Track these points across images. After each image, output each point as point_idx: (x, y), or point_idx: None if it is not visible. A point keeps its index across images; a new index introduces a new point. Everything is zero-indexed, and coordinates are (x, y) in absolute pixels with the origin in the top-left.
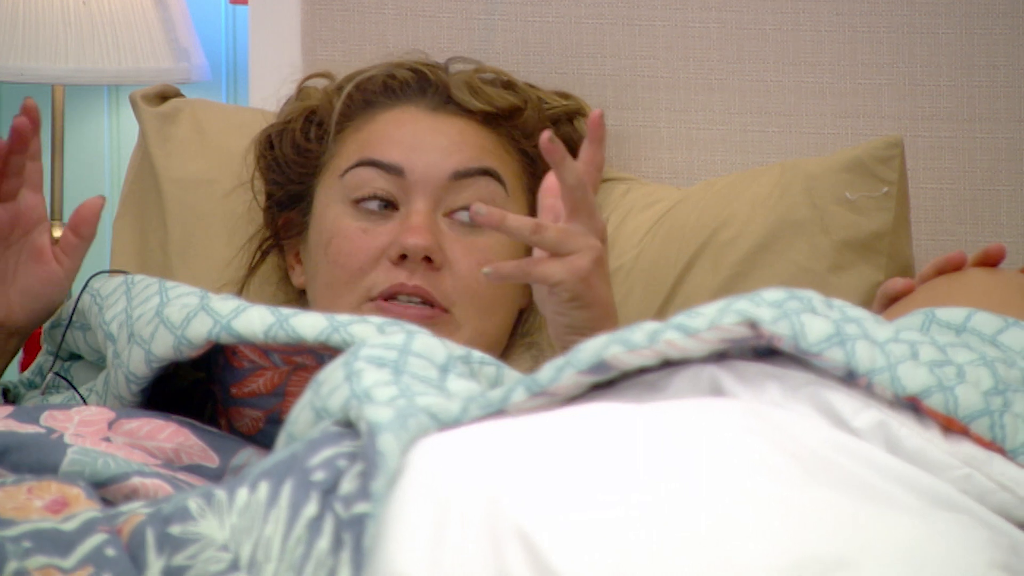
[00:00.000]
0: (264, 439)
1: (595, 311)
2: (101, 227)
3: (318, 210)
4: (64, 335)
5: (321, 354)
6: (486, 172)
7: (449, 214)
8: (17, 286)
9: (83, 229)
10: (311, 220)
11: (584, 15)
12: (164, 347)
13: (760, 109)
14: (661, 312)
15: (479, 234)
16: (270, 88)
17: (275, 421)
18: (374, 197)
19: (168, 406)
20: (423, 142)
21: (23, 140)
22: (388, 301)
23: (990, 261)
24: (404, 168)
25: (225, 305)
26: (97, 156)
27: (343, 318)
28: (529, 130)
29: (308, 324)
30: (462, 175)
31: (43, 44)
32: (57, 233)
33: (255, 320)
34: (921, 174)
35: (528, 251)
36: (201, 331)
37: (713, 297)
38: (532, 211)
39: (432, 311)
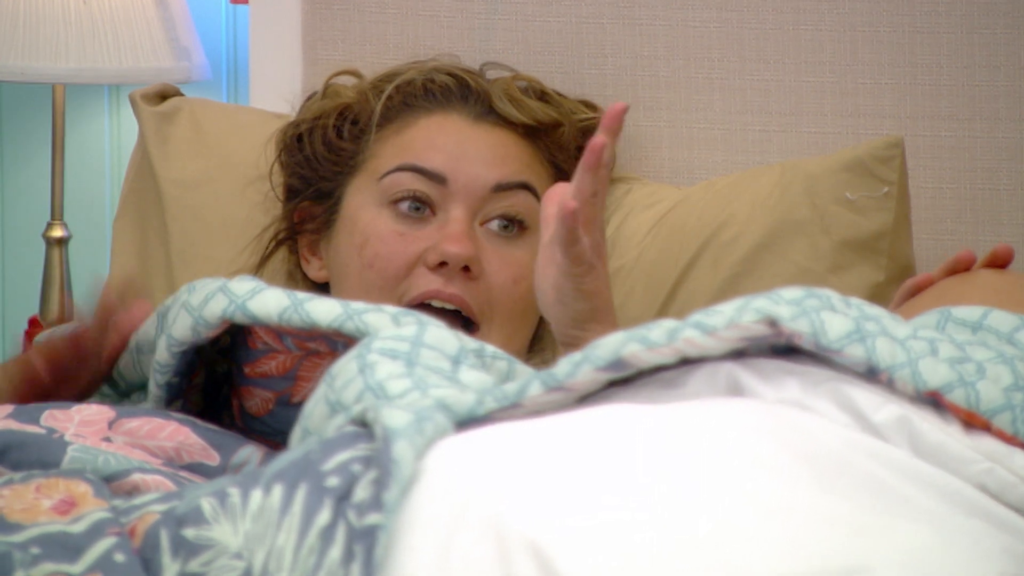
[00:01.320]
0: (273, 420)
1: (596, 302)
2: (102, 227)
3: (350, 210)
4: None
5: (335, 341)
6: (524, 186)
7: (485, 222)
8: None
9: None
10: (339, 218)
11: (585, 15)
12: (183, 329)
13: (761, 108)
14: (662, 312)
15: (514, 246)
16: (271, 88)
17: (285, 403)
18: (412, 197)
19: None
20: (466, 152)
21: None
22: (421, 308)
23: (998, 262)
24: (447, 176)
25: (242, 286)
26: (98, 156)
27: (358, 306)
28: (564, 144)
29: (323, 310)
30: (503, 188)
31: (43, 43)
32: (56, 233)
33: (270, 302)
34: (922, 174)
35: None
36: (216, 310)
37: (714, 297)
38: None
39: (463, 325)
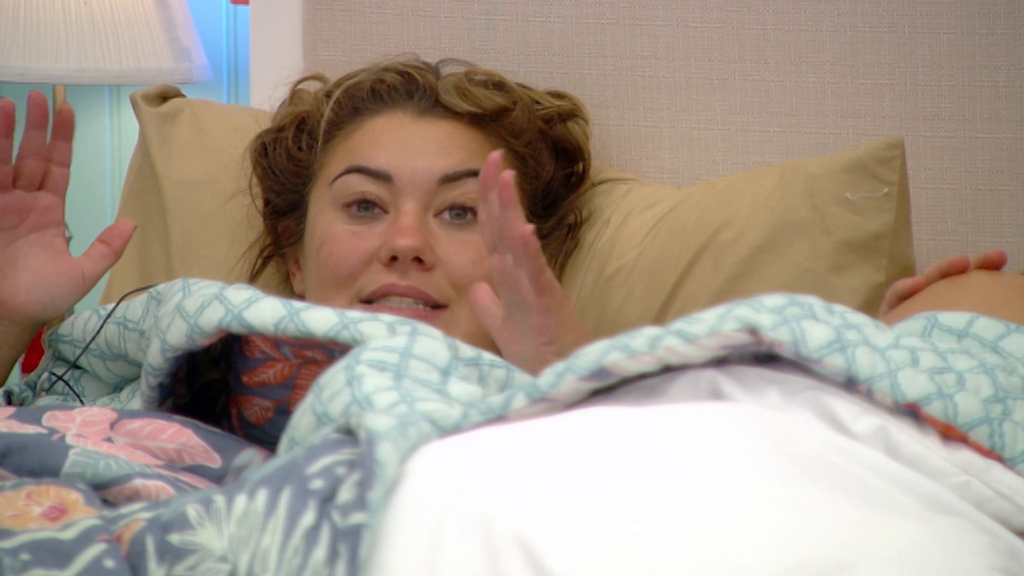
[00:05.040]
0: (272, 429)
1: (577, 331)
2: (103, 227)
3: (311, 218)
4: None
5: (332, 349)
6: (475, 174)
7: (438, 214)
8: (28, 272)
9: (116, 242)
10: (306, 227)
11: (585, 15)
12: (178, 335)
13: (761, 109)
14: (662, 312)
15: (470, 231)
16: (271, 88)
17: (284, 412)
18: (363, 199)
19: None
20: (410, 147)
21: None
22: (378, 302)
23: (991, 266)
24: (392, 174)
25: (239, 295)
26: (99, 156)
27: (354, 314)
28: (518, 130)
29: (318, 319)
30: (450, 179)
31: (45, 44)
32: None
33: (266, 311)
34: (922, 174)
35: None
36: (212, 319)
37: (714, 297)
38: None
39: (428, 311)
